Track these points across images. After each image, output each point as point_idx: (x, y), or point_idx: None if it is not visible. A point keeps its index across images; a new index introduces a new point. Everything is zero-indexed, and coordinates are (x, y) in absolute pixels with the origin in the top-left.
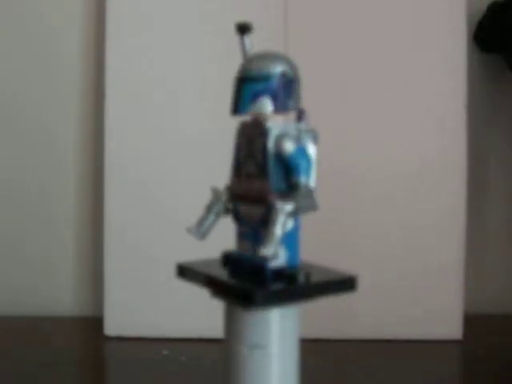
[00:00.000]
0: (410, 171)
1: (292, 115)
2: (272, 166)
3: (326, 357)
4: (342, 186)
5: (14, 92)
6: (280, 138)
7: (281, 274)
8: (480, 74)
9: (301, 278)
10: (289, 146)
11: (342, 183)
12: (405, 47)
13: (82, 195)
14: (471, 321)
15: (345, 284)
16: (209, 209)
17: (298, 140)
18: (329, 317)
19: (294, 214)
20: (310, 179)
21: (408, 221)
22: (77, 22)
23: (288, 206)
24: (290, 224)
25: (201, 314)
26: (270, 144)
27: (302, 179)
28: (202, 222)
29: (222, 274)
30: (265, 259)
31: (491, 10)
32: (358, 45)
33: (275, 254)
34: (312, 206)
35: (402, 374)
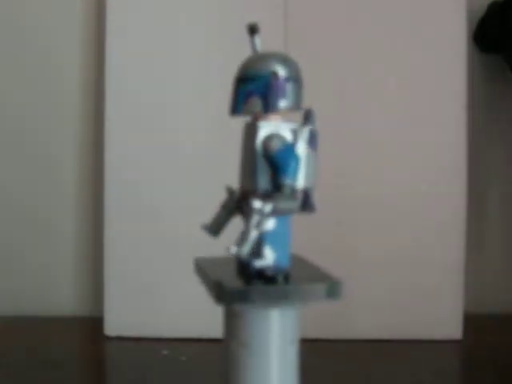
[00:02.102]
0: (410, 171)
1: (297, 115)
2: (258, 166)
3: (326, 357)
4: (341, 186)
5: (14, 105)
6: (267, 138)
7: (262, 274)
8: (480, 74)
9: (280, 280)
10: (274, 146)
11: (341, 183)
12: (405, 47)
13: (82, 195)
14: (471, 321)
15: (328, 290)
16: (222, 207)
17: (292, 140)
18: (329, 317)
19: (274, 215)
20: (295, 180)
21: (408, 221)
22: (76, 27)
23: (266, 207)
24: (270, 224)
25: (201, 314)
26: (258, 143)
27: (285, 180)
28: (215, 219)
29: (220, 271)
30: (249, 258)
31: (491, 10)
32: (358, 45)
33: (247, 253)
34: (292, 209)
35: (402, 374)
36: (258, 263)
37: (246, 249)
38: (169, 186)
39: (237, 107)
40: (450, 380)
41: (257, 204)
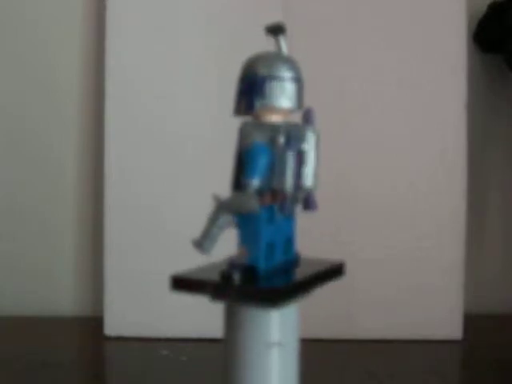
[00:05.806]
0: (410, 171)
1: (295, 115)
2: (234, 164)
3: (325, 357)
4: (341, 186)
5: (13, 105)
6: (242, 137)
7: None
8: (480, 73)
9: (235, 279)
10: (244, 145)
11: (341, 183)
12: (405, 47)
13: (82, 195)
14: (471, 321)
15: (266, 296)
16: None
17: (269, 140)
18: (329, 317)
19: (232, 213)
20: (257, 179)
21: (408, 221)
22: (76, 28)
23: (221, 203)
24: (231, 222)
25: (201, 314)
26: (237, 143)
27: (245, 179)
28: None
29: (217, 267)
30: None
31: (491, 10)
32: (358, 45)
33: (206, 248)
34: (248, 208)
35: (402, 374)
36: (234, 261)
37: (206, 244)
38: (169, 186)
39: (234, 107)
40: (450, 380)
41: (214, 200)
